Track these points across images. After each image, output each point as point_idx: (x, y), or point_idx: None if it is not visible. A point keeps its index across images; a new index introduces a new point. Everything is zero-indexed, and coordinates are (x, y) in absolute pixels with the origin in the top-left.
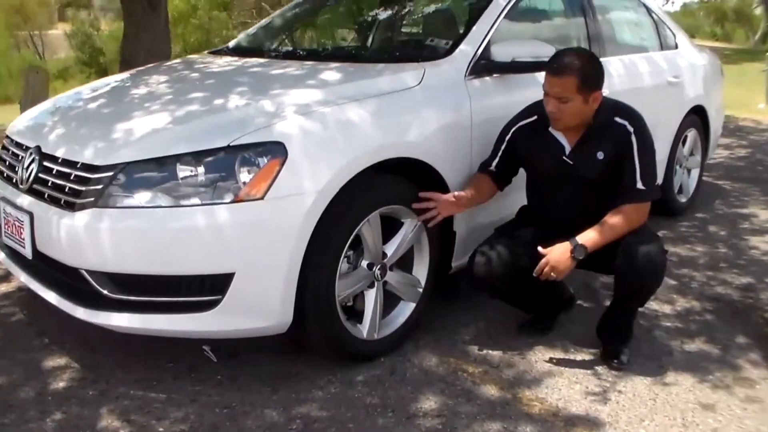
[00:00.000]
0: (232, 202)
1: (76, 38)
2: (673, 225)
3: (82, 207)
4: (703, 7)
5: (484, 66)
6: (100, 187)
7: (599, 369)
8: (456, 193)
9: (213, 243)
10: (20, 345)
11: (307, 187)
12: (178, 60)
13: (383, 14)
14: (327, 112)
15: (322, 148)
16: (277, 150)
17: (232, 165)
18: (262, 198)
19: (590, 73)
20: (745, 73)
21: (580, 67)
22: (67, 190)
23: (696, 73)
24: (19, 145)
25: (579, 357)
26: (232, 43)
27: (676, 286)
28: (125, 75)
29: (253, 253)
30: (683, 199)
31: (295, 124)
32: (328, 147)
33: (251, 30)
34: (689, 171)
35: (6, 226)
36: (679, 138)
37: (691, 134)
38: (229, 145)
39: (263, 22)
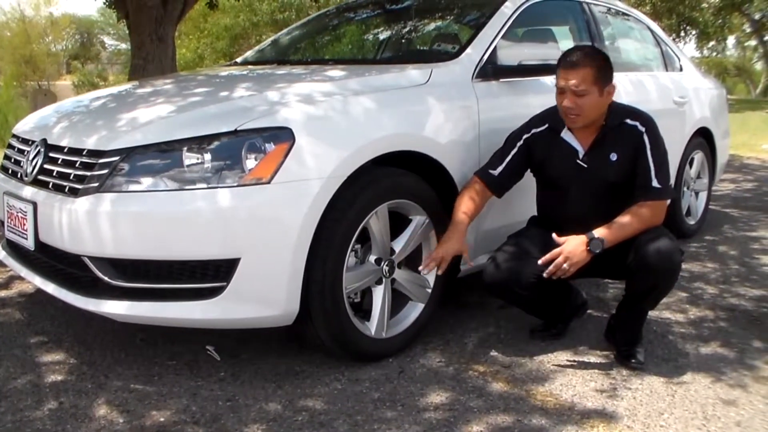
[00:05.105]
0: (239, 185)
1: (82, 89)
2: (682, 246)
3: (86, 192)
4: (704, 62)
5: (491, 70)
6: (104, 172)
7: (613, 369)
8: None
9: (218, 227)
10: (17, 342)
11: (314, 173)
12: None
13: (391, 29)
14: (334, 102)
15: (330, 135)
16: (284, 135)
17: (239, 151)
18: (268, 182)
19: (603, 65)
20: (748, 120)
21: (594, 58)
22: (71, 177)
23: (701, 96)
24: (25, 141)
25: (592, 359)
26: (239, 59)
27: (688, 298)
28: (128, 84)
29: (259, 238)
30: (692, 222)
31: (302, 111)
32: (335, 134)
33: (258, 47)
34: (697, 194)
35: (9, 220)
36: (685, 159)
37: (698, 156)
38: (236, 130)
39: (269, 39)
